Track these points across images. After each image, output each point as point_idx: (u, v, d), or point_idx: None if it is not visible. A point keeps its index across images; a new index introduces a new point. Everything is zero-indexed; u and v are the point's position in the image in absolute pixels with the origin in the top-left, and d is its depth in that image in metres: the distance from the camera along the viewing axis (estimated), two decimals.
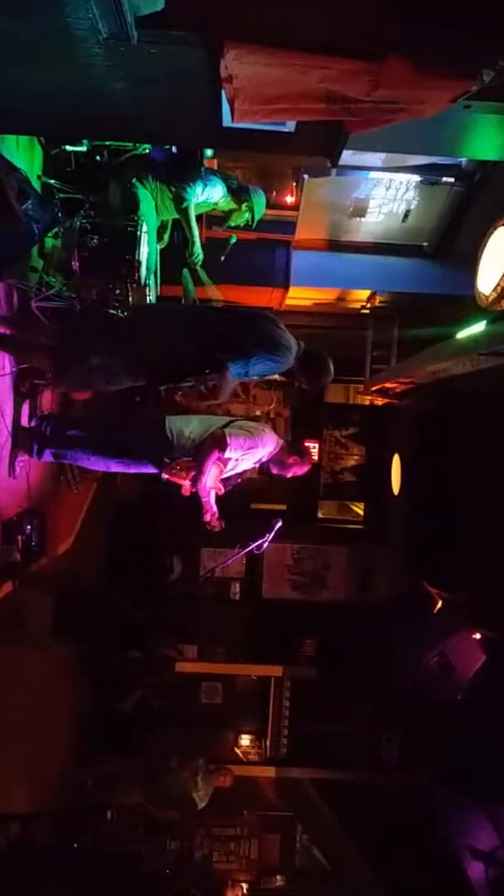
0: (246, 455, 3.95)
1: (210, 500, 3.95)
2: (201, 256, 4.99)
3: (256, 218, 5.19)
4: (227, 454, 3.85)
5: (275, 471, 4.16)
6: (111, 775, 6.38)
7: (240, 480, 4.21)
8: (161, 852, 7.22)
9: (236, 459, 3.95)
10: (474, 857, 5.53)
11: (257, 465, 4.16)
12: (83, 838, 5.61)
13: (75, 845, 5.46)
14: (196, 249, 4.92)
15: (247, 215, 5.16)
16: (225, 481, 4.02)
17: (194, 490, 3.85)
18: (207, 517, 3.95)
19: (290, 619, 7.94)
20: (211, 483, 3.85)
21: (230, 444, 3.83)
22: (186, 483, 3.91)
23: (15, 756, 4.89)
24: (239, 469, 4.07)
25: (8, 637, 4.77)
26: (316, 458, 8.25)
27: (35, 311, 4.25)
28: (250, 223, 5.21)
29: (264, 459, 4.09)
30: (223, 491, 3.99)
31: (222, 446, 3.81)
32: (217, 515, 3.95)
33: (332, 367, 3.93)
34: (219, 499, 3.98)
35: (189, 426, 3.99)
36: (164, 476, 4.00)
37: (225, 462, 3.90)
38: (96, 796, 6.26)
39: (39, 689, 5.52)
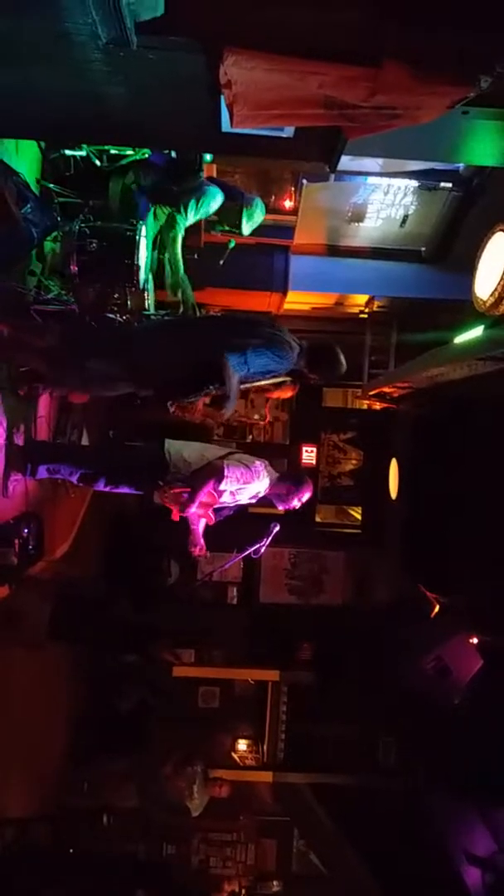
0: (241, 489, 3.95)
1: (198, 530, 3.97)
2: (185, 285, 4.82)
3: (249, 223, 5.12)
4: (223, 486, 3.85)
5: (280, 507, 4.14)
6: (108, 778, 6.37)
7: (231, 513, 4.20)
8: (157, 857, 7.22)
9: (231, 492, 3.94)
10: (471, 863, 5.52)
11: (254, 500, 4.14)
12: (79, 842, 5.60)
13: (71, 850, 5.45)
14: (180, 279, 4.76)
15: (239, 217, 5.08)
16: (217, 512, 4.03)
17: (184, 515, 3.87)
18: (196, 551, 3.97)
19: (288, 623, 7.94)
20: (198, 510, 3.86)
21: (227, 476, 3.83)
22: (177, 508, 3.91)
23: (11, 759, 4.89)
24: (232, 503, 4.07)
25: (5, 639, 4.76)
26: (314, 463, 8.27)
27: (34, 314, 4.25)
28: (239, 229, 5.14)
29: (262, 495, 4.09)
30: (214, 521, 4.01)
31: (219, 476, 3.81)
32: (204, 549, 3.97)
33: (341, 354, 3.93)
34: (207, 527, 4.01)
35: (187, 450, 4.02)
36: (156, 500, 4.00)
37: (219, 493, 3.90)
38: (93, 799, 6.25)
39: (36, 691, 5.51)
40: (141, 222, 4.41)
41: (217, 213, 5.09)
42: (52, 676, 6.13)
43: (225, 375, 3.59)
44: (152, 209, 4.68)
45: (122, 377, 3.81)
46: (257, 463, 4.04)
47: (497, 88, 2.71)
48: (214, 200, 4.84)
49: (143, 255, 4.39)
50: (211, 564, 4.39)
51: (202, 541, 3.97)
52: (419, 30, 2.63)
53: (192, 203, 4.68)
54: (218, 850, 7.63)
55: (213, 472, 3.83)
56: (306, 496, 4.11)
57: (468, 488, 5.61)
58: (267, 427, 8.42)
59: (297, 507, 4.13)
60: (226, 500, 3.99)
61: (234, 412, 4.24)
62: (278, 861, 7.74)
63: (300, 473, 4.24)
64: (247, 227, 5.11)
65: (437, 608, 6.33)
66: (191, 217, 4.69)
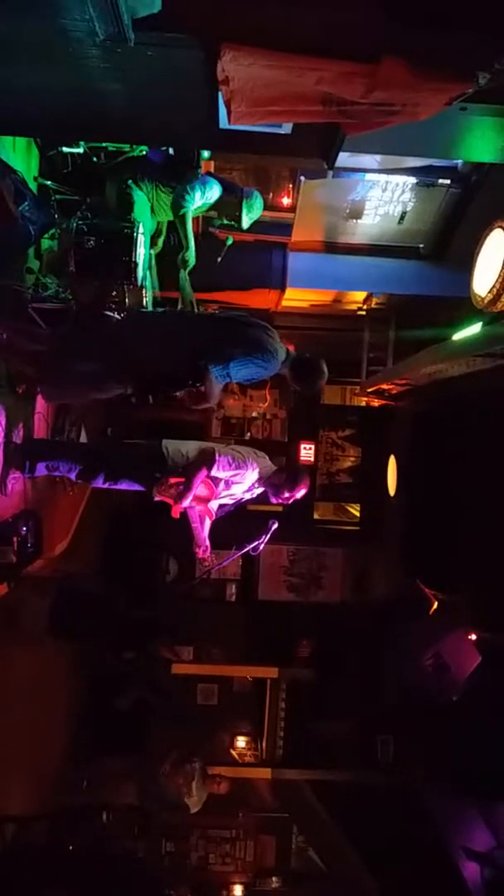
0: (235, 477, 3.97)
1: (200, 529, 3.98)
2: (193, 262, 4.93)
3: (249, 216, 5.12)
4: (216, 472, 3.87)
5: (274, 499, 4.13)
6: (107, 776, 6.37)
7: (232, 508, 4.21)
8: (157, 854, 7.23)
9: (225, 481, 3.96)
10: (470, 858, 5.53)
11: (253, 495, 4.15)
12: (79, 840, 5.60)
13: (70, 847, 5.45)
14: (189, 255, 4.86)
15: (239, 209, 5.07)
16: (219, 508, 4.04)
17: (183, 511, 3.87)
18: (200, 552, 3.97)
19: (286, 620, 7.94)
20: (195, 504, 3.87)
21: (218, 462, 3.86)
22: (173, 499, 3.91)
23: (11, 757, 4.89)
24: (226, 496, 4.07)
25: (4, 637, 4.76)
26: (312, 460, 8.26)
27: (31, 313, 4.24)
28: (239, 222, 5.14)
29: (257, 487, 4.10)
30: (215, 517, 4.01)
31: (211, 462, 3.85)
32: (209, 551, 3.97)
33: (325, 368, 3.94)
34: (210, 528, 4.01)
35: (185, 446, 4.05)
36: (155, 496, 4.00)
37: (216, 482, 3.91)
38: (92, 797, 6.25)
39: (35, 689, 5.51)
40: (137, 220, 4.40)
41: (216, 207, 5.08)
42: (52, 675, 6.14)
43: (206, 382, 3.67)
44: (153, 194, 4.67)
45: (113, 378, 3.82)
46: (249, 453, 4.07)
47: (495, 85, 2.71)
48: (215, 188, 4.83)
49: (141, 252, 4.39)
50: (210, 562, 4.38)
51: (207, 542, 3.97)
52: (417, 26, 2.63)
53: (196, 185, 4.68)
54: (217, 846, 7.65)
55: (206, 458, 3.88)
56: (302, 491, 4.08)
57: (466, 485, 5.63)
58: (267, 416, 8.40)
59: (290, 500, 4.09)
60: (221, 490, 4.00)
61: (236, 402, 4.25)
62: (277, 857, 7.76)
63: (298, 466, 4.24)
64: (246, 220, 5.10)
65: (435, 605, 6.34)
66: (197, 198, 4.68)
